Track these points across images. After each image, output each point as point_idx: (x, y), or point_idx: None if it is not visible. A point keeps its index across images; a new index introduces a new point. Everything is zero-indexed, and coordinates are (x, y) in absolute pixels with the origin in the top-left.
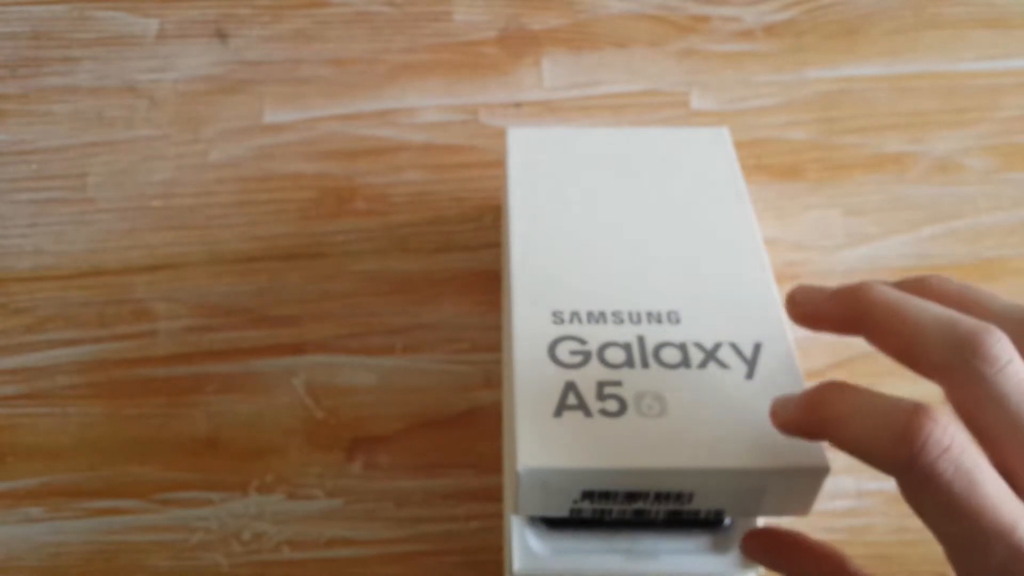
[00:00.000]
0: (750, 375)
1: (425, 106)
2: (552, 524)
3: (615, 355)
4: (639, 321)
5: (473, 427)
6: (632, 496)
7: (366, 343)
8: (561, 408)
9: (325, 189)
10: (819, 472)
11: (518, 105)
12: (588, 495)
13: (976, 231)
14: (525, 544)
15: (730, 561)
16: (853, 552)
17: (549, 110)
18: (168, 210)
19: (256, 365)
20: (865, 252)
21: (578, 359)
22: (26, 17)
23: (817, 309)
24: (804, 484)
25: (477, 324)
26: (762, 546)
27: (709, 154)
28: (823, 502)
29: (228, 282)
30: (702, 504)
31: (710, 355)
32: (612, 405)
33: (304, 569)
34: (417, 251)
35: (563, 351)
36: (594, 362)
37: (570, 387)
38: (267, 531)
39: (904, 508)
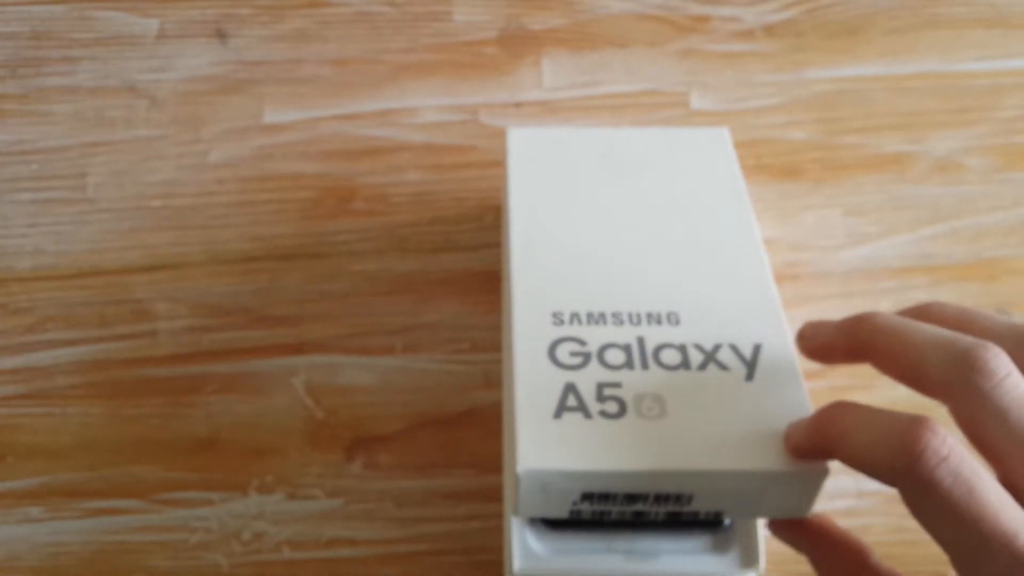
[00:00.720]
0: (750, 376)
1: (425, 106)
2: (552, 524)
3: (615, 356)
4: (639, 322)
5: (473, 427)
6: (632, 498)
7: (366, 343)
8: (561, 409)
9: (325, 189)
10: (818, 474)
11: (518, 105)
12: (588, 497)
13: (976, 231)
14: (525, 544)
15: (730, 561)
16: None
17: (549, 110)
18: (168, 210)
19: (256, 365)
20: (865, 252)
21: (578, 360)
22: (26, 17)
23: (825, 342)
24: (804, 486)
25: (477, 324)
26: (789, 525)
27: (709, 154)
28: (823, 502)
29: (228, 282)
30: (701, 505)
31: (710, 356)
32: (612, 407)
33: (304, 569)
34: (417, 251)
35: (563, 352)
36: (594, 363)
37: (570, 388)
38: (267, 531)
39: (903, 508)
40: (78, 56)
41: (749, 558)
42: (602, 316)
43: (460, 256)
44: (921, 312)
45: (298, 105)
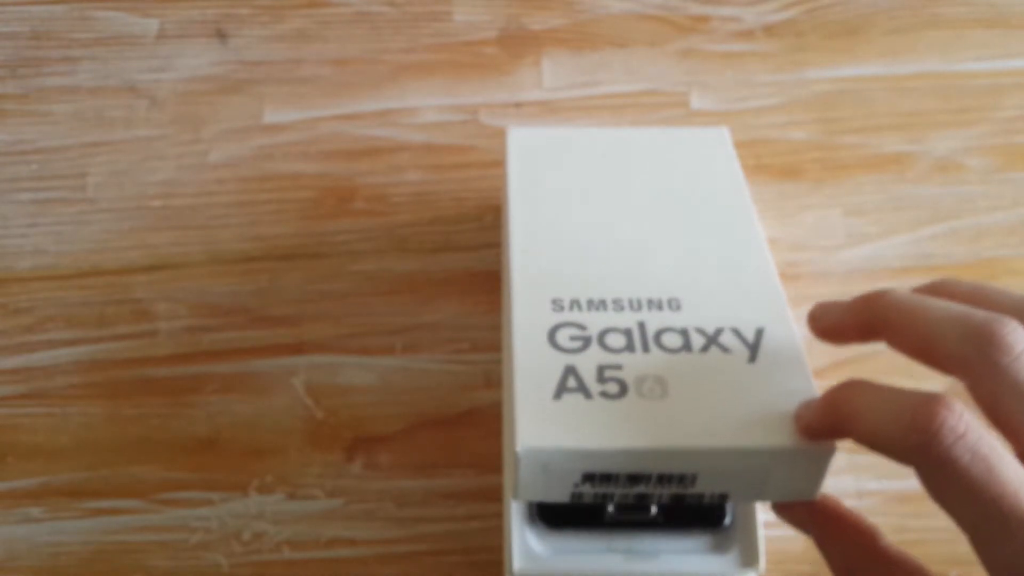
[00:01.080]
0: (752, 358)
1: (425, 106)
2: (552, 524)
3: (615, 340)
4: (639, 308)
5: (473, 427)
6: (634, 479)
7: (366, 343)
8: (561, 391)
9: (325, 189)
10: (825, 452)
11: (518, 105)
12: (589, 478)
13: (976, 231)
14: (525, 544)
15: (730, 561)
16: None
17: (549, 110)
18: (168, 210)
19: (256, 365)
20: (865, 252)
21: (578, 344)
22: (26, 17)
23: (837, 321)
24: (809, 465)
25: (477, 324)
26: (795, 506)
27: (709, 154)
28: None
29: (228, 282)
30: (705, 487)
31: (712, 340)
32: (612, 388)
33: (304, 569)
34: (417, 251)
35: (563, 337)
36: (594, 347)
37: (570, 370)
38: (267, 531)
39: (904, 508)
40: (78, 56)
41: (749, 558)
42: (602, 302)
43: (460, 256)
44: (934, 288)
45: (298, 105)
